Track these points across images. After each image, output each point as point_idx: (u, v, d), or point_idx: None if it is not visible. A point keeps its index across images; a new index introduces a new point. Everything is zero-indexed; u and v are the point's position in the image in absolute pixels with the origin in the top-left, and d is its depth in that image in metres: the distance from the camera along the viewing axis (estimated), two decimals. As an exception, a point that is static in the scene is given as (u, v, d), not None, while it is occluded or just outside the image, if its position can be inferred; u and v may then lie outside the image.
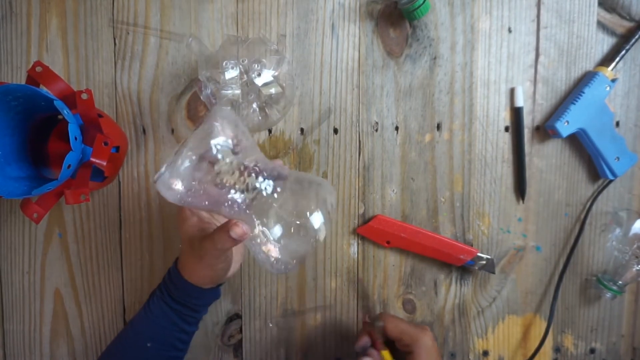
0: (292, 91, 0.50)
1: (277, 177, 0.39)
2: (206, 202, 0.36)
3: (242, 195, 0.37)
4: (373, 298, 0.56)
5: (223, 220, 0.41)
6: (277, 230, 0.38)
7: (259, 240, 0.39)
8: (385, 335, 0.46)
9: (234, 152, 0.37)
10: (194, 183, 0.35)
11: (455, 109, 0.55)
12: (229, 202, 0.37)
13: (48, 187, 0.41)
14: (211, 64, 0.47)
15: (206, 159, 0.35)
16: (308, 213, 0.38)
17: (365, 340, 0.47)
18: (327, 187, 0.41)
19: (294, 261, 0.39)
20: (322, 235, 0.39)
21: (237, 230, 0.37)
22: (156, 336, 0.45)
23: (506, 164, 0.55)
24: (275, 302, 0.56)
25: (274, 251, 0.38)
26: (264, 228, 0.38)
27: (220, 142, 0.35)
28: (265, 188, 0.38)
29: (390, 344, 0.46)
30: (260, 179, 0.38)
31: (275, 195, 0.38)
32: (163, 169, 0.35)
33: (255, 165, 0.38)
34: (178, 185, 0.35)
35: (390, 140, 0.55)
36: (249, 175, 0.37)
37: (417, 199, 0.55)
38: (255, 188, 0.37)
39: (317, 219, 0.38)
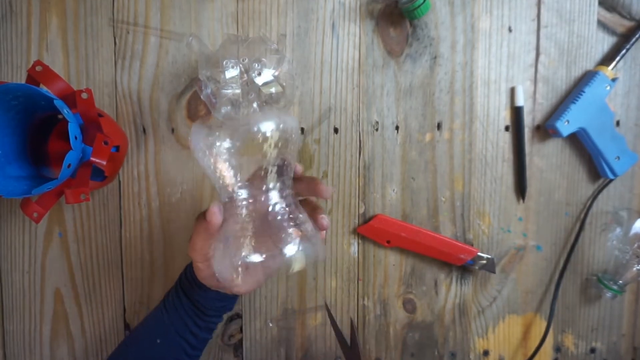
0: (293, 90, 0.50)
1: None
2: (212, 173, 0.37)
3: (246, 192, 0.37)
4: (373, 298, 0.56)
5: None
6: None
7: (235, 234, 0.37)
8: None
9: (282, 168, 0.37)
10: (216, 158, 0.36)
11: (456, 108, 0.54)
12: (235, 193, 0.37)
13: (48, 186, 0.41)
14: (211, 63, 0.47)
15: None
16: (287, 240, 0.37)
17: None
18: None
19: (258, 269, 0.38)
20: (296, 266, 0.37)
21: (210, 215, 0.36)
22: (167, 333, 0.44)
23: (506, 163, 0.55)
24: (275, 302, 0.56)
25: (246, 249, 0.36)
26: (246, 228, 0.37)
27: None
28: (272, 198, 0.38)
29: None
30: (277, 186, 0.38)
31: (273, 206, 0.38)
32: (200, 130, 0.37)
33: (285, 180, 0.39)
34: (200, 147, 0.36)
35: (391, 140, 0.55)
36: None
37: (418, 198, 0.55)
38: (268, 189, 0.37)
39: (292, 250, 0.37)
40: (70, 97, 0.42)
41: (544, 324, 0.56)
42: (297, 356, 0.57)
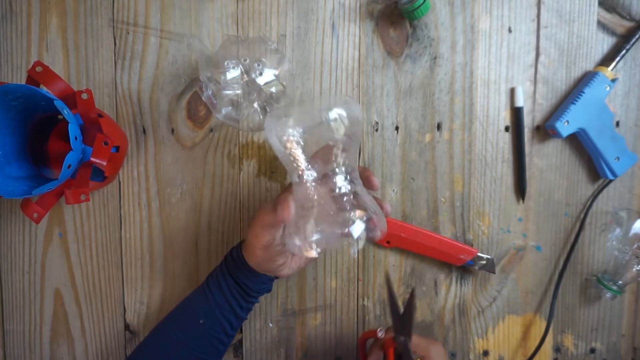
0: (293, 89, 0.50)
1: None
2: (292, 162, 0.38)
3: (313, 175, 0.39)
4: (373, 298, 0.56)
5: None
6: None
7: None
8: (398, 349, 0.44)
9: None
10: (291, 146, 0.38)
11: (456, 108, 0.55)
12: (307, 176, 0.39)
13: (48, 186, 0.41)
14: (211, 64, 0.47)
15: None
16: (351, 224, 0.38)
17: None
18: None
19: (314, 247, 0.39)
20: (361, 243, 0.39)
21: (283, 210, 0.38)
22: (210, 313, 0.45)
23: (506, 163, 0.55)
24: (276, 302, 0.56)
25: (310, 230, 0.39)
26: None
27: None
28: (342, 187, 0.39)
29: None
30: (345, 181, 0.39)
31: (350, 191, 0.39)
32: (274, 120, 0.38)
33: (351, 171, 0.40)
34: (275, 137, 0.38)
35: (391, 140, 0.55)
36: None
37: (417, 198, 0.55)
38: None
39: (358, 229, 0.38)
40: (71, 98, 0.42)
41: (544, 324, 0.56)
42: (297, 356, 0.57)
